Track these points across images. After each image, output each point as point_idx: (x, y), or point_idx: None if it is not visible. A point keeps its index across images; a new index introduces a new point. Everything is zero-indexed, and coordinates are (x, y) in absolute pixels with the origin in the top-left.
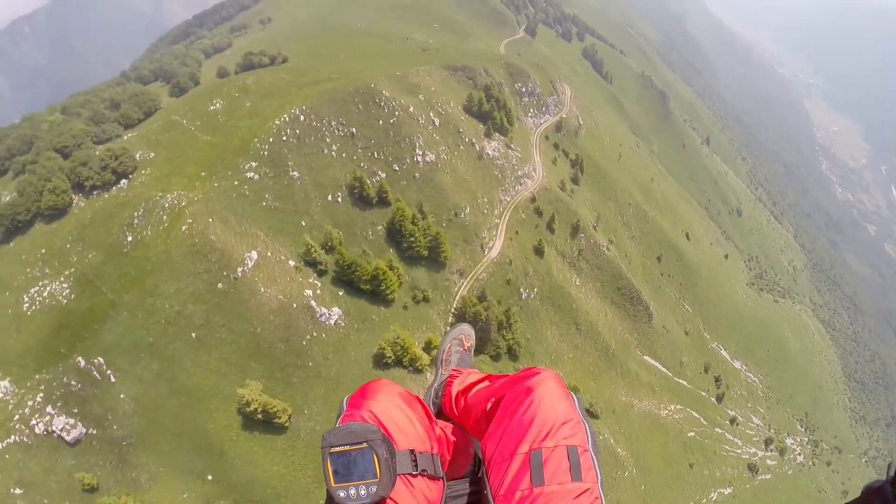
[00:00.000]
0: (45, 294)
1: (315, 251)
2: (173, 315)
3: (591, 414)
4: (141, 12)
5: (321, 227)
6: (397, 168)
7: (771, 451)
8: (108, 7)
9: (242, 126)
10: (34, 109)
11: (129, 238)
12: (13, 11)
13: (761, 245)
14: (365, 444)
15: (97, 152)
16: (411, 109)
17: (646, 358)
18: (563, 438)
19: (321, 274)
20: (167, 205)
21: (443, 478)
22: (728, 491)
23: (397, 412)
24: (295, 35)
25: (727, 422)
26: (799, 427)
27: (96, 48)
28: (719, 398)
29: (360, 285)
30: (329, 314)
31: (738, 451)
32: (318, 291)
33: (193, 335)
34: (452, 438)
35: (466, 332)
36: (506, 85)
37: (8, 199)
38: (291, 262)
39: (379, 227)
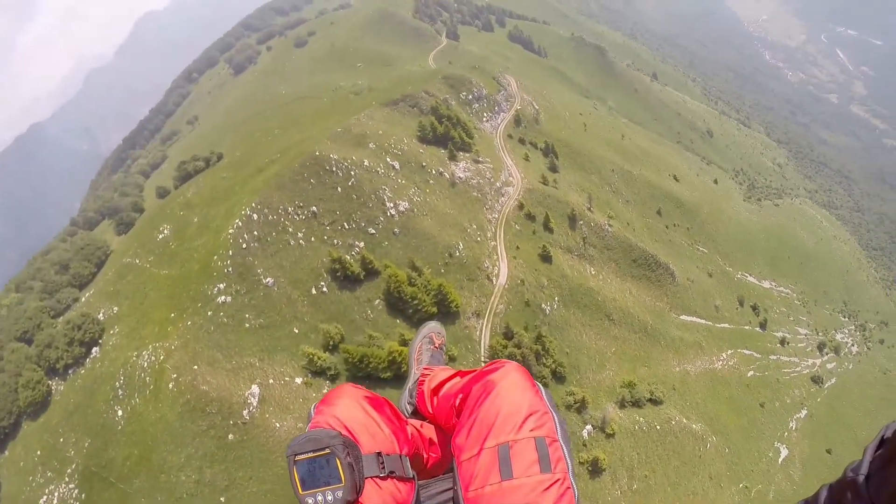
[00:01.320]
0: (56, 500)
1: (318, 358)
2: (193, 486)
3: (654, 401)
4: (79, 150)
5: (316, 328)
6: (373, 231)
7: (826, 354)
8: (46, 158)
9: (197, 246)
10: (3, 280)
11: (119, 412)
12: None
13: (741, 156)
14: (327, 450)
15: (58, 328)
16: (366, 163)
17: (683, 317)
18: (530, 430)
19: (334, 379)
20: (145, 364)
21: (413, 478)
22: (804, 413)
23: (361, 415)
24: (225, 125)
25: (778, 344)
26: (842, 318)
27: (48, 200)
28: (762, 325)
29: (379, 375)
30: None
31: (798, 368)
32: None
33: (223, 499)
34: (430, 437)
35: (436, 330)
36: (451, 99)
37: None
38: (298, 380)
39: (377, 302)
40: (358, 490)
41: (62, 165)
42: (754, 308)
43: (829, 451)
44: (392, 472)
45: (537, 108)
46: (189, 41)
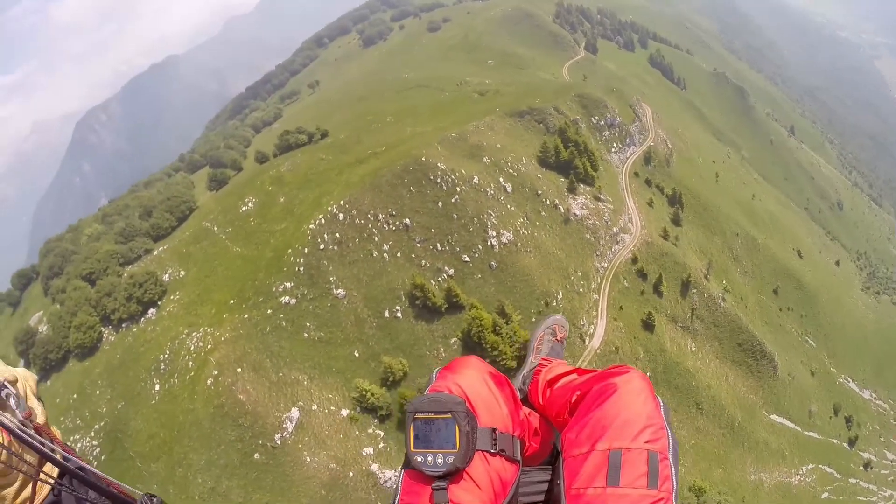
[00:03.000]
0: (77, 450)
1: (372, 395)
2: (207, 492)
3: None
4: (206, 89)
5: (378, 357)
6: (467, 259)
7: None
8: (176, 88)
9: (275, 231)
10: (119, 190)
11: (157, 387)
12: (87, 102)
13: (867, 238)
14: (449, 415)
15: (123, 278)
16: (476, 180)
17: (773, 417)
18: (645, 442)
19: (384, 419)
20: (192, 347)
21: (519, 461)
22: None
23: (484, 389)
24: (341, 99)
25: (861, 468)
26: None
27: (168, 126)
28: (851, 442)
29: None
30: (397, 477)
31: (874, 498)
32: (382, 445)
33: None
34: (535, 426)
35: (560, 323)
36: (581, 121)
37: (42, 334)
38: (344, 412)
39: (452, 341)
40: (468, 460)
41: (188, 98)
42: (848, 421)
43: None
44: (502, 451)
45: (671, 147)
46: (327, 7)
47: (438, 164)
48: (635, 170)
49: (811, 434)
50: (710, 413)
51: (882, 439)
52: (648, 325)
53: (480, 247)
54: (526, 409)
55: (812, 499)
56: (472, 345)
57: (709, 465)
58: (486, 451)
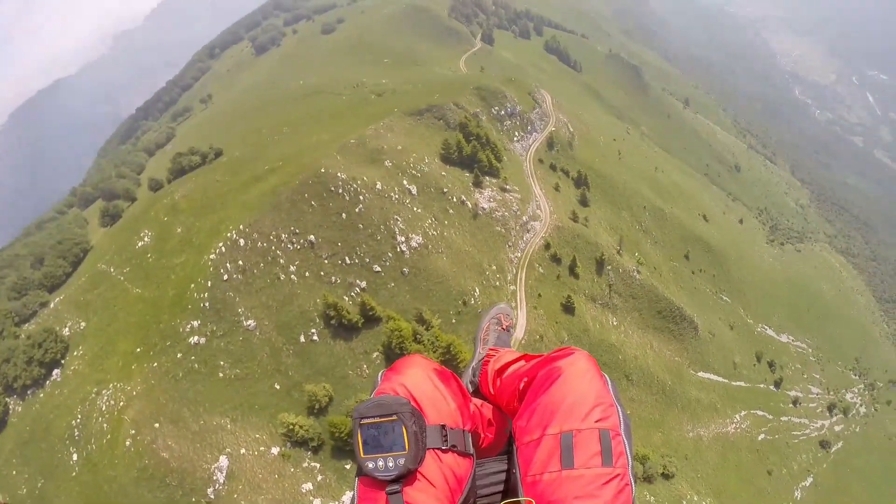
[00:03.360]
0: None
1: (300, 428)
2: None
3: (666, 475)
4: (99, 112)
5: (301, 386)
6: (378, 268)
7: (835, 415)
8: (67, 114)
9: (175, 266)
10: (15, 234)
11: (75, 457)
12: None
13: (766, 194)
14: (395, 417)
15: (20, 339)
16: (379, 186)
17: (700, 374)
18: (595, 421)
19: (317, 450)
20: (104, 407)
21: (472, 455)
22: (809, 481)
23: (429, 387)
24: (234, 113)
25: (790, 405)
26: (853, 376)
27: (62, 156)
28: (777, 383)
29: None
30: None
31: (808, 430)
32: (320, 478)
33: None
34: (489, 417)
35: (505, 312)
36: (482, 113)
37: None
38: (275, 450)
39: (374, 355)
40: (419, 460)
41: (80, 123)
42: (771, 365)
43: None
44: (454, 447)
45: (572, 130)
46: (221, 15)
47: (339, 174)
48: (539, 156)
49: (739, 383)
50: (641, 382)
51: (805, 376)
52: (569, 308)
53: (390, 254)
54: (478, 401)
55: (750, 442)
56: (395, 357)
57: (647, 432)
58: (438, 449)
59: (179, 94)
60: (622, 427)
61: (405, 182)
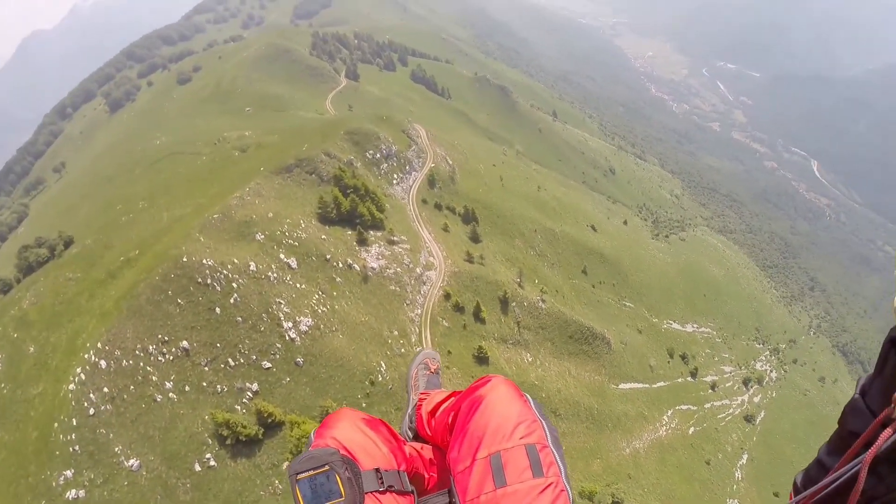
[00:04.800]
0: None
1: None
2: None
3: None
4: None
5: None
6: (269, 364)
7: (752, 387)
8: None
9: (33, 399)
10: None
11: None
12: None
13: (643, 191)
14: (326, 467)
15: None
16: (252, 266)
17: (622, 386)
18: (520, 438)
19: None
20: None
21: (412, 492)
22: (745, 458)
23: (359, 436)
24: (88, 184)
25: (710, 390)
26: (758, 346)
27: None
28: (693, 374)
29: None
30: None
31: (731, 410)
32: None
33: None
34: (429, 458)
35: (431, 356)
36: (356, 160)
37: None
38: None
39: (285, 466)
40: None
41: None
42: (683, 357)
43: (776, 495)
44: (391, 487)
45: (451, 163)
46: (80, 64)
47: (205, 261)
48: (422, 196)
49: (659, 384)
50: (569, 414)
51: (716, 359)
52: (482, 359)
53: (279, 345)
54: (417, 444)
55: (683, 439)
56: None
57: (586, 462)
58: (376, 492)
59: (32, 163)
60: (549, 439)
61: (282, 255)
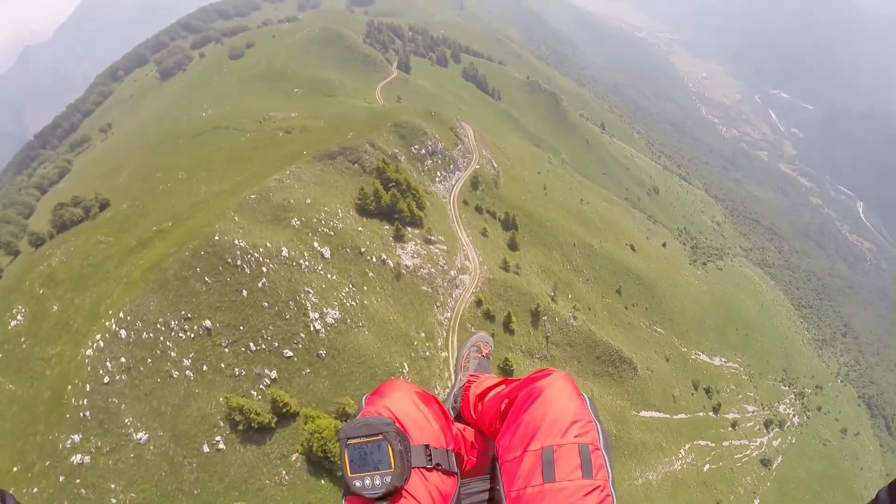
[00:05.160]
0: None
1: None
2: None
3: None
4: (3, 133)
5: None
6: (290, 353)
7: (772, 430)
8: None
9: (51, 358)
10: None
11: None
12: None
13: (684, 214)
14: (380, 436)
15: None
16: (285, 252)
17: (643, 414)
18: (575, 436)
19: None
20: None
21: (457, 473)
22: (756, 503)
23: (413, 409)
24: (131, 148)
25: (730, 428)
26: (783, 388)
27: None
28: (716, 409)
29: None
30: None
31: (749, 451)
32: None
33: None
34: (471, 440)
35: (484, 339)
36: (401, 153)
37: None
38: None
39: (294, 457)
40: (405, 478)
41: None
42: (707, 391)
43: None
44: (438, 465)
45: (497, 167)
46: (132, 33)
47: (237, 242)
48: (464, 197)
49: (680, 416)
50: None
51: (740, 396)
52: (506, 371)
53: (303, 335)
54: (460, 425)
55: (697, 475)
56: (317, 460)
57: None
58: (423, 468)
59: (80, 121)
60: (601, 442)
61: (316, 244)
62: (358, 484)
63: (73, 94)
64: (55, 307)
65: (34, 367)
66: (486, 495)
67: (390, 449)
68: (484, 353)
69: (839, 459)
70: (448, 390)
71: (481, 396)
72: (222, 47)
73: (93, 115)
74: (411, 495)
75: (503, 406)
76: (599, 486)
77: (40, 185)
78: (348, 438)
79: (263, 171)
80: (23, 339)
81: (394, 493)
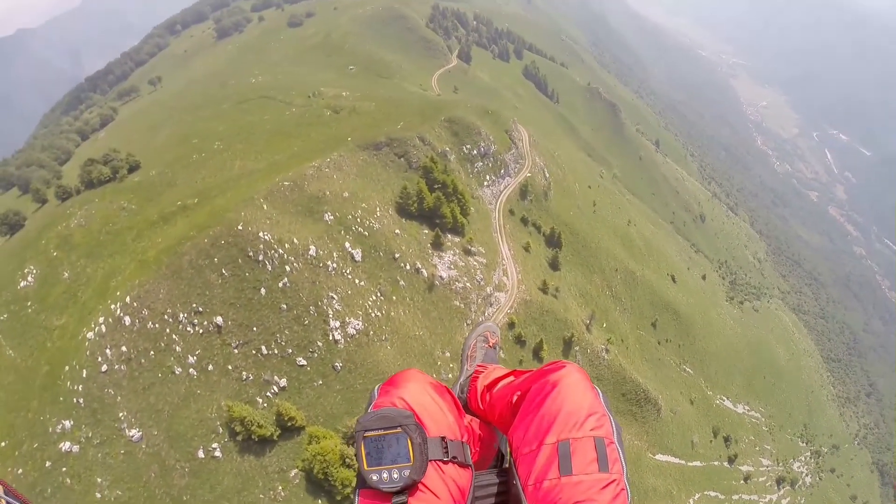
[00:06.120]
0: None
1: None
2: None
3: None
4: (59, 68)
5: None
6: (304, 362)
7: (783, 489)
8: (24, 66)
9: (54, 330)
10: None
11: None
12: None
13: (727, 247)
14: (399, 429)
15: None
16: (312, 251)
17: (658, 457)
18: (590, 430)
19: None
20: None
21: (472, 466)
22: None
23: (428, 400)
24: (174, 106)
25: (742, 481)
26: (801, 444)
27: (15, 110)
28: (731, 460)
29: None
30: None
31: None
32: None
33: None
34: (478, 433)
35: (491, 329)
36: (451, 151)
37: None
38: None
39: (293, 474)
40: (423, 472)
41: (38, 78)
42: (726, 440)
43: None
44: (454, 458)
45: (548, 177)
46: None
47: (261, 234)
48: (510, 206)
49: (695, 463)
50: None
51: (757, 448)
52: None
53: (320, 343)
54: (468, 416)
55: None
56: (317, 482)
57: None
58: (439, 461)
59: (132, 69)
60: (615, 435)
61: (347, 244)
62: (375, 478)
63: (131, 41)
64: (66, 274)
65: (36, 336)
66: (496, 488)
67: (409, 442)
68: (491, 344)
69: None
70: (455, 381)
71: (490, 387)
72: (282, 13)
73: (145, 65)
74: (428, 489)
75: (515, 398)
76: (615, 480)
77: (82, 131)
78: (365, 431)
79: (303, 153)
80: (30, 304)
81: (412, 487)
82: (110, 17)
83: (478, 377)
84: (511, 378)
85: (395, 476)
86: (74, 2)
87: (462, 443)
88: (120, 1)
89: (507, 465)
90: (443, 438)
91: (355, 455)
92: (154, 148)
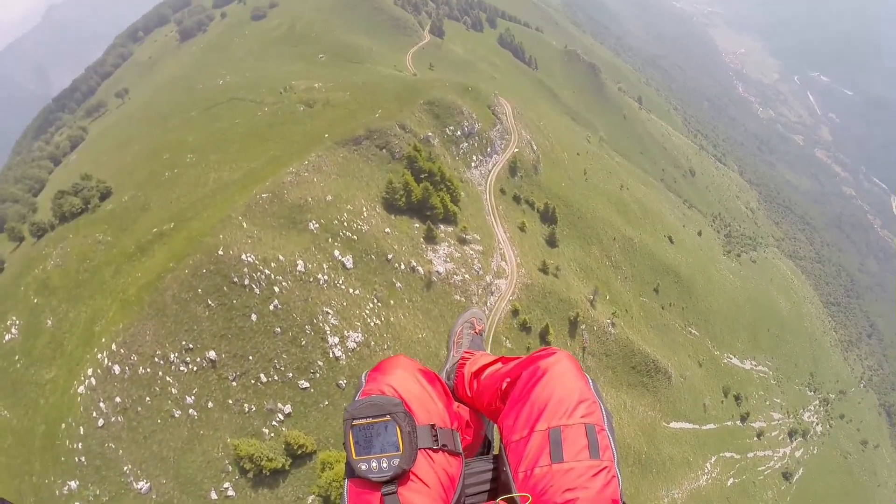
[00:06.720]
0: None
1: None
2: None
3: None
4: (26, 89)
5: None
6: (306, 384)
7: (796, 440)
8: None
9: (45, 385)
10: None
11: None
12: None
13: (719, 199)
14: (388, 417)
15: None
16: (300, 266)
17: (673, 425)
18: (581, 417)
19: None
20: None
21: (461, 454)
22: None
23: (417, 387)
24: (142, 119)
25: (755, 438)
26: (809, 393)
27: None
28: (743, 418)
29: None
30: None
31: (772, 462)
32: None
33: None
34: (466, 419)
35: (478, 316)
36: (434, 136)
37: None
38: None
39: (311, 499)
40: (412, 460)
41: (7, 98)
42: (737, 398)
43: None
44: (444, 446)
45: (536, 150)
46: None
47: (244, 257)
48: (500, 185)
49: (709, 426)
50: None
51: (767, 403)
52: None
53: (321, 363)
54: (456, 403)
55: (720, 490)
56: None
57: None
58: (429, 449)
59: (98, 84)
60: (606, 423)
61: (337, 252)
62: (364, 467)
63: (98, 51)
64: (49, 321)
65: (28, 393)
66: (487, 475)
67: (398, 430)
68: (477, 330)
69: (858, 474)
70: (441, 367)
71: (477, 374)
72: (245, 7)
73: (111, 77)
74: (418, 478)
75: (504, 385)
76: (606, 467)
77: (53, 156)
78: (353, 419)
79: (280, 157)
80: (17, 358)
81: (401, 475)
82: (74, 27)
83: (465, 364)
84: (499, 365)
85: (385, 465)
86: (35, 19)
87: (452, 430)
88: (83, 10)
89: (495, 452)
90: (432, 426)
91: (343, 444)
92: (125, 168)
